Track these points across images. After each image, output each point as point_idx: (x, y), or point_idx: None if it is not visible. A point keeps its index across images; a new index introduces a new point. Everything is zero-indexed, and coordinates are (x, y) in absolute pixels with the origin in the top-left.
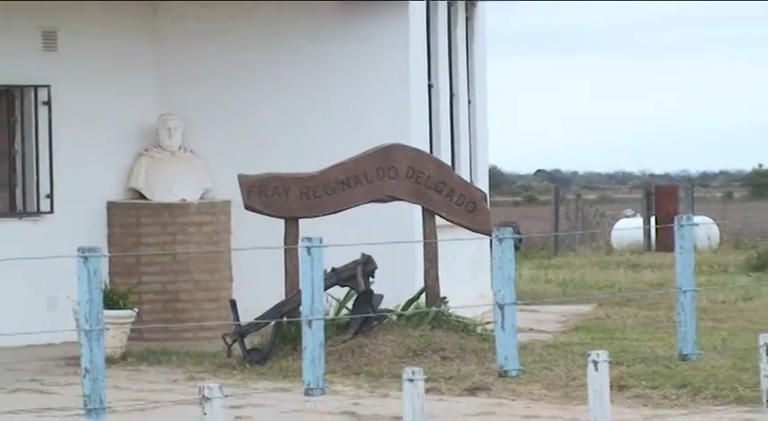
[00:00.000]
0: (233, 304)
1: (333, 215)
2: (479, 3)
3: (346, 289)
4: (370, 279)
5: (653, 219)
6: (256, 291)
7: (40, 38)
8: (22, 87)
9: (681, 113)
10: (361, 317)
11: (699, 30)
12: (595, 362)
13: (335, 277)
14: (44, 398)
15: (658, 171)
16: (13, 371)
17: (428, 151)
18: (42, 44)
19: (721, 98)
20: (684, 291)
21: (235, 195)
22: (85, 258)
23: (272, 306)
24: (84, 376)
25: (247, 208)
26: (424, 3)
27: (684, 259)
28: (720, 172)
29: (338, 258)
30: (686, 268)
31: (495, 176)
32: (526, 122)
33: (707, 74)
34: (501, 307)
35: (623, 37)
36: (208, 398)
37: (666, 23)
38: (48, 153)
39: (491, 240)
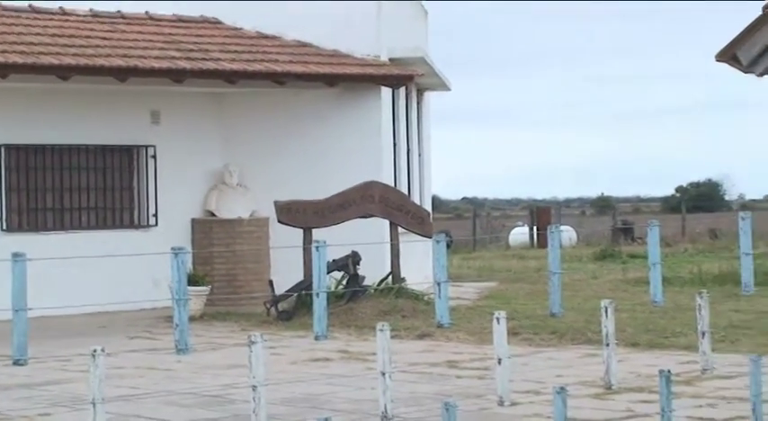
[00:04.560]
0: (271, 283)
1: (333, 226)
2: (426, 93)
3: (342, 273)
4: (357, 266)
5: (535, 228)
6: (285, 275)
7: (149, 115)
8: (137, 146)
9: (552, 160)
10: (351, 290)
11: (574, 109)
12: (498, 318)
13: (335, 265)
14: (151, 342)
15: (539, 197)
16: (131, 325)
17: (393, 186)
18: (151, 119)
19: (579, 149)
20: (554, 273)
21: (272, 214)
22: (176, 254)
23: (295, 284)
24: (175, 328)
25: (280, 222)
26: (391, 92)
27: (554, 253)
28: (577, 198)
29: (337, 253)
30: (555, 258)
31: (436, 201)
32: (455, 167)
33: (571, 135)
34: (438, 284)
35: (519, 112)
36: (253, 342)
37: (539, 104)
38: (154, 188)
39: (432, 242)
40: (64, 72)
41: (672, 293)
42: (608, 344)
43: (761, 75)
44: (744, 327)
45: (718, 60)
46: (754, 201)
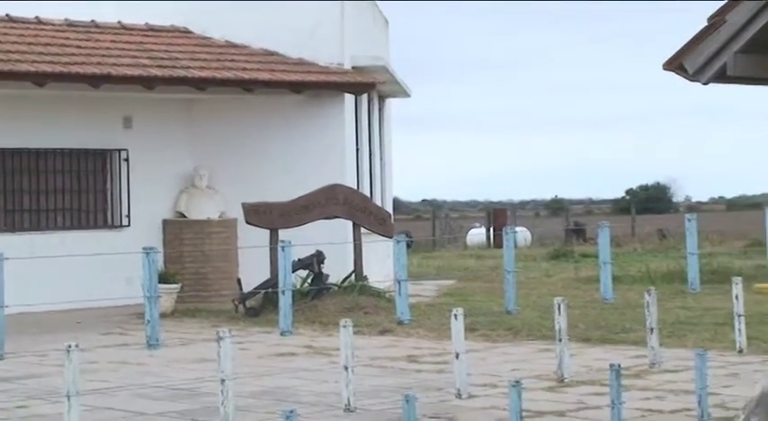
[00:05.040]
0: (239, 281)
1: (299, 227)
2: (387, 99)
3: (307, 271)
4: (322, 265)
5: (491, 229)
6: (253, 273)
7: (122, 121)
8: (111, 150)
9: (508, 164)
10: (316, 288)
11: (519, 115)
12: (456, 315)
13: (300, 264)
14: (124, 337)
15: (495, 199)
16: (105, 321)
17: (356, 188)
18: (123, 124)
19: (534, 153)
20: (509, 272)
21: (240, 215)
22: (147, 253)
23: (262, 282)
24: (147, 324)
25: (247, 223)
26: (353, 99)
27: (509, 252)
28: (531, 200)
29: (302, 252)
30: (510, 258)
31: (397, 203)
32: (416, 171)
33: (526, 140)
34: (399, 282)
35: (477, 118)
36: (221, 338)
37: (496, 110)
38: (127, 189)
39: (393, 242)
40: (40, 78)
41: (622, 291)
42: (561, 340)
43: (706, 82)
44: (690, 323)
45: (665, 69)
46: (700, 203)
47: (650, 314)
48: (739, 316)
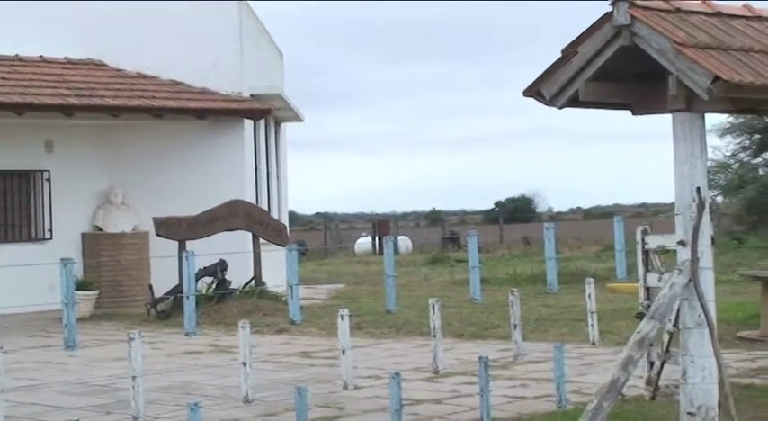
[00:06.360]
0: (150, 287)
1: (204, 238)
2: (282, 123)
3: (212, 278)
4: (225, 272)
5: (377, 238)
6: (163, 280)
7: (44, 145)
8: (34, 171)
9: (391, 179)
10: (219, 293)
11: (398, 137)
12: (342, 315)
13: (205, 272)
14: (47, 340)
15: (380, 211)
16: (30, 325)
17: (255, 203)
18: (45, 148)
19: (414, 170)
20: (389, 276)
21: (151, 228)
22: (65, 264)
23: (171, 288)
24: (64, 328)
25: (158, 235)
26: (252, 123)
27: (389, 259)
28: (412, 212)
29: (208, 261)
30: (390, 263)
31: (292, 216)
32: (310, 187)
33: (407, 158)
34: (291, 286)
35: (362, 139)
36: (132, 339)
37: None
38: (49, 206)
39: (286, 250)
40: None
41: (491, 292)
42: (436, 336)
43: (561, 107)
44: (550, 320)
45: (525, 95)
46: (560, 213)
47: (514, 312)
48: (592, 313)
